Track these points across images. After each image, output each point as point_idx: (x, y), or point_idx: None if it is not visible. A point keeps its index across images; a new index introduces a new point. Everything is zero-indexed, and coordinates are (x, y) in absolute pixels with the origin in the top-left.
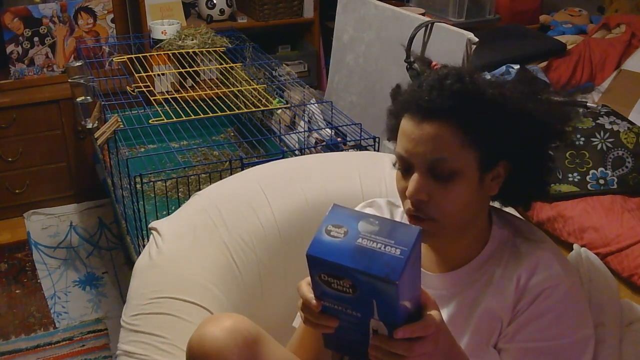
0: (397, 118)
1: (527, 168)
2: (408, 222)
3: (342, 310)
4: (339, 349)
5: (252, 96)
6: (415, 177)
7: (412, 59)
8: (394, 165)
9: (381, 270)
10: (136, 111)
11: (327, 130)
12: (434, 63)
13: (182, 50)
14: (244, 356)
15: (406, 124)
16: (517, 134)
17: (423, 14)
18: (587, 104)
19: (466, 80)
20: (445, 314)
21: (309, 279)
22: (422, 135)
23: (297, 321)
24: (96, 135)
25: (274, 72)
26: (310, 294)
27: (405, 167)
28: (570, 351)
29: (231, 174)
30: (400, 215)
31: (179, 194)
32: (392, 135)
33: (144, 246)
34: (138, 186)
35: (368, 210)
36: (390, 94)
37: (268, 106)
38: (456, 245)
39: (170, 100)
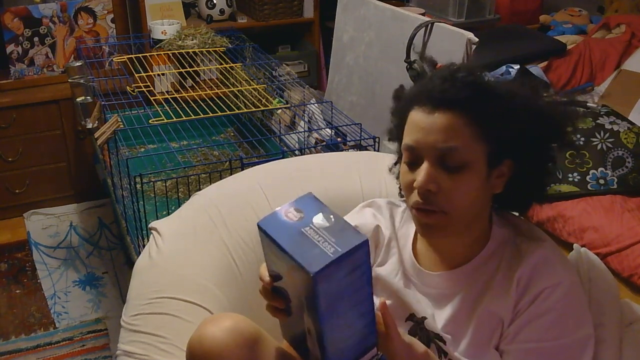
0: (402, 115)
1: (530, 169)
2: (415, 217)
3: (286, 296)
4: (291, 340)
5: (252, 96)
6: (425, 166)
7: (412, 60)
8: (395, 164)
9: (305, 259)
10: (136, 111)
11: (327, 130)
12: (439, 65)
13: (182, 50)
14: (244, 356)
15: (416, 115)
16: (524, 130)
17: (423, 14)
18: (587, 104)
19: (478, 74)
20: (446, 313)
21: None
22: (433, 124)
23: None
24: (96, 135)
25: (274, 72)
26: (265, 271)
27: (413, 159)
28: (570, 351)
29: (231, 174)
30: (400, 215)
31: (179, 194)
32: (394, 135)
33: (144, 246)
34: (138, 186)
35: (367, 210)
36: (393, 95)
37: (268, 106)
38: (457, 244)
39: (170, 100)
